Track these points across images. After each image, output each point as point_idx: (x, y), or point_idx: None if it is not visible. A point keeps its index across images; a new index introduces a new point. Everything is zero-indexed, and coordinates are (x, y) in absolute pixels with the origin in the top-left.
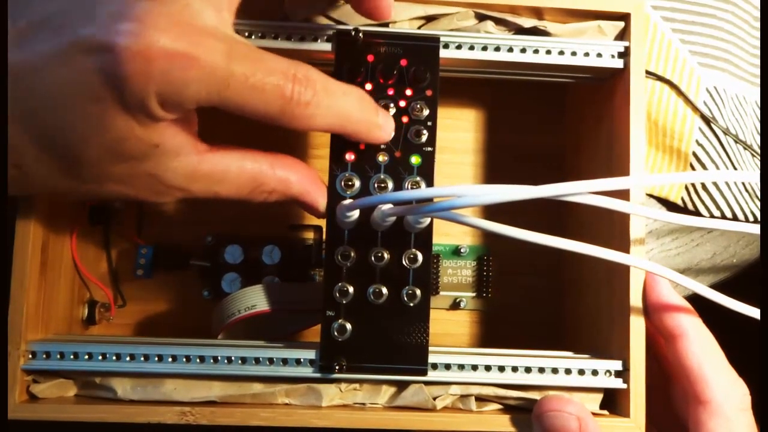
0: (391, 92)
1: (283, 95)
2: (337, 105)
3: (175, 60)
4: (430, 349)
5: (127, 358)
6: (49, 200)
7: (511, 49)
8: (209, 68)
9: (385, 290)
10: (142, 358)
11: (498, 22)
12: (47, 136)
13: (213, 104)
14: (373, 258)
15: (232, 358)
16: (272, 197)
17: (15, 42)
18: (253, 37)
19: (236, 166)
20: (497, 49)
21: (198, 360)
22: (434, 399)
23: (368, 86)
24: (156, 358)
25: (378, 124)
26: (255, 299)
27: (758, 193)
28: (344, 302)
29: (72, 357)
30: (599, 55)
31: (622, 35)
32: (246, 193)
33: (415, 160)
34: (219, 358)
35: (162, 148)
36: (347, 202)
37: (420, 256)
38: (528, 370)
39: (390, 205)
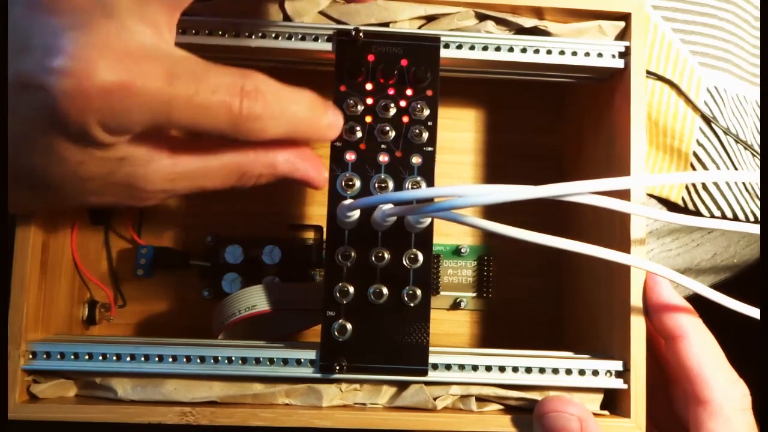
0: (391, 92)
1: (231, 111)
2: (288, 113)
3: (111, 92)
4: (431, 349)
5: (128, 358)
6: None
7: (511, 49)
8: (149, 94)
9: (385, 290)
10: (143, 358)
11: (498, 22)
12: (12, 167)
13: (162, 126)
14: (373, 258)
15: (233, 358)
16: (262, 180)
17: None
18: (253, 37)
19: (215, 160)
20: (498, 49)
21: (198, 360)
22: (435, 399)
23: (368, 86)
24: (156, 359)
25: (328, 124)
26: (255, 299)
27: (759, 193)
28: (345, 302)
29: (72, 357)
30: (600, 55)
31: (623, 35)
32: (233, 182)
33: (415, 160)
34: (219, 358)
35: (129, 159)
36: (348, 202)
37: (420, 256)
38: (528, 370)
39: (390, 205)
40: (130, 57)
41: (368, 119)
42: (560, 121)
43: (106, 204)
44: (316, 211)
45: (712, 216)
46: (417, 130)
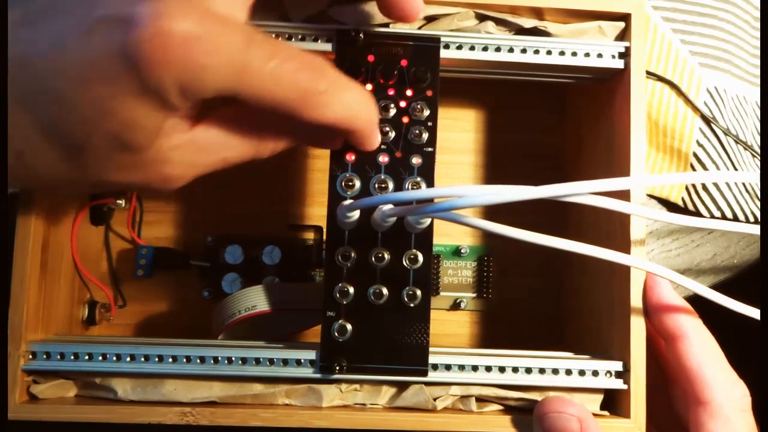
0: (391, 92)
1: (300, 84)
2: (349, 98)
3: (194, 43)
4: (431, 349)
5: (128, 359)
6: (50, 200)
7: (511, 50)
8: (228, 53)
9: (385, 291)
10: (143, 359)
11: (498, 22)
12: (52, 120)
13: (231, 92)
14: (373, 258)
15: (233, 358)
16: (279, 147)
17: (16, 27)
18: None
19: (236, 125)
20: (497, 49)
21: (198, 360)
22: (435, 400)
23: (368, 86)
24: (156, 359)
25: (378, 125)
26: (255, 299)
27: (758, 194)
28: (345, 303)
29: (72, 357)
30: (600, 55)
31: (623, 36)
32: (253, 152)
33: (415, 160)
34: (219, 358)
35: (162, 131)
36: (348, 202)
37: (420, 257)
38: (528, 370)
39: (390, 206)
40: (214, 17)
41: None
42: (560, 121)
43: (127, 187)
44: (316, 212)
45: (712, 216)
46: (417, 131)
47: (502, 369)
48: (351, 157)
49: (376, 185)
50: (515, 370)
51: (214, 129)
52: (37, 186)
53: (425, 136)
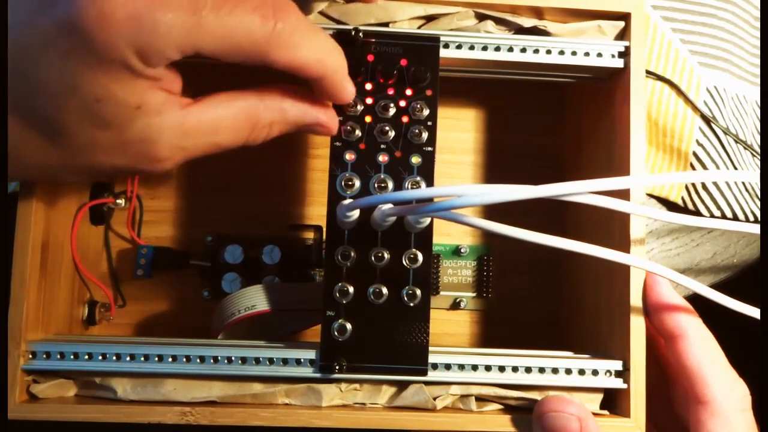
0: (391, 92)
1: (264, 25)
2: (316, 40)
3: (139, 3)
4: (431, 349)
5: (127, 358)
6: (50, 199)
7: (511, 49)
8: (177, 7)
9: (385, 290)
10: (142, 358)
11: (498, 21)
12: (25, 104)
13: (192, 48)
14: (373, 258)
15: (232, 358)
16: (273, 131)
17: None
18: None
19: (226, 109)
20: (497, 48)
21: (198, 360)
22: (434, 399)
23: (368, 86)
24: (156, 358)
25: (348, 79)
26: (255, 299)
27: (758, 193)
28: (344, 302)
29: (72, 357)
30: (599, 54)
31: (623, 35)
32: (245, 136)
33: (415, 159)
34: (219, 358)
35: (145, 107)
36: (347, 201)
37: (420, 256)
38: (528, 370)
39: (390, 205)
40: None
41: (368, 119)
42: (560, 121)
43: (116, 169)
44: (316, 211)
45: (712, 216)
46: (417, 130)
47: (501, 368)
48: (351, 157)
49: (376, 185)
50: (515, 369)
51: (206, 112)
52: (31, 177)
53: (425, 135)
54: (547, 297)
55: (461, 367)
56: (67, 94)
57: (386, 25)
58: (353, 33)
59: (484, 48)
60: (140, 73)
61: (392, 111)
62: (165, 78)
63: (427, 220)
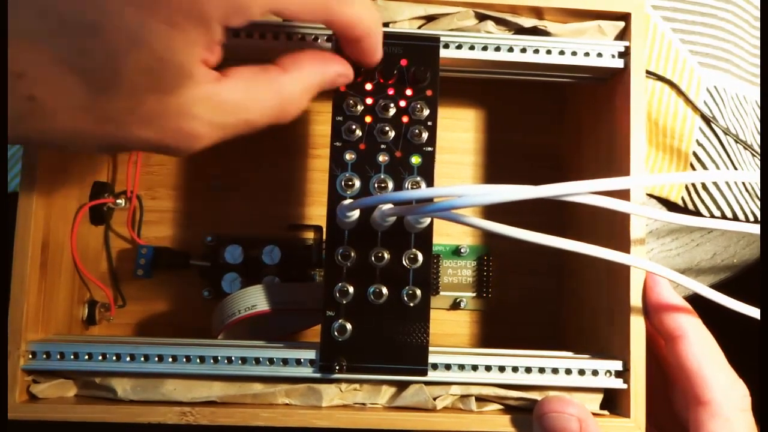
0: (391, 92)
1: None
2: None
3: None
4: (431, 349)
5: (127, 359)
6: (49, 199)
7: (511, 49)
8: None
9: (385, 290)
10: (142, 359)
11: (498, 22)
12: (81, 53)
13: (274, 8)
14: (373, 258)
15: (233, 358)
16: (303, 102)
17: None
18: (253, 37)
19: (256, 84)
20: (497, 49)
21: (198, 360)
22: (434, 399)
23: (368, 86)
24: (156, 359)
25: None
26: (255, 299)
27: (758, 193)
28: (344, 302)
29: (72, 357)
30: (599, 55)
31: (623, 35)
32: (277, 112)
33: (415, 160)
34: (219, 358)
35: (196, 77)
36: (347, 202)
37: (420, 256)
38: (528, 370)
39: (390, 205)
40: None
41: (368, 119)
42: (560, 121)
43: (146, 144)
44: (316, 211)
45: (712, 216)
46: (417, 130)
47: (501, 368)
48: (351, 157)
49: (376, 185)
50: (515, 369)
51: (237, 87)
52: (52, 140)
53: (425, 135)
54: (547, 297)
55: (461, 367)
56: (132, 47)
57: (386, 25)
58: None
59: (484, 48)
60: (212, 36)
61: (392, 111)
62: (220, 48)
63: (427, 221)
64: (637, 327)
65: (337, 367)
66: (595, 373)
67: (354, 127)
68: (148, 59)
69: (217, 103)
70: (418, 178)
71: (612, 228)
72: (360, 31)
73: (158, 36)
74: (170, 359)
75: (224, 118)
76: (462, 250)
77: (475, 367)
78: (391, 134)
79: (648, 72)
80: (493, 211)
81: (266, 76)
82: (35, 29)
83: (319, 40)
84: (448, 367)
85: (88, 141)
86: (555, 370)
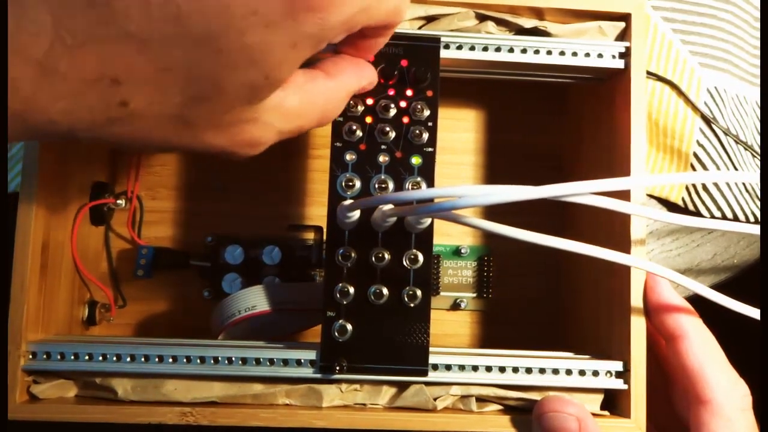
0: (391, 92)
1: None
2: None
3: None
4: (431, 349)
5: (128, 359)
6: (49, 200)
7: (511, 50)
8: None
9: (385, 291)
10: (143, 359)
11: (498, 22)
12: (191, 65)
13: (365, 24)
14: (373, 258)
15: (233, 358)
16: (342, 107)
17: None
18: None
19: (308, 90)
20: (498, 49)
21: (198, 360)
22: (435, 399)
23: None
24: (156, 359)
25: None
26: (255, 300)
27: (759, 194)
28: (345, 303)
29: (72, 357)
30: (600, 55)
31: (623, 36)
32: (320, 117)
33: (415, 160)
34: (219, 358)
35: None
36: (348, 202)
37: (420, 257)
38: (528, 370)
39: (390, 206)
40: None
41: (368, 120)
42: (560, 121)
43: (207, 149)
44: (316, 212)
45: (712, 216)
46: (417, 131)
47: (502, 369)
48: (351, 157)
49: (376, 185)
50: (515, 370)
51: (296, 94)
52: (116, 142)
53: (425, 136)
54: (547, 297)
55: (461, 367)
56: (248, 66)
57: None
58: None
59: (485, 49)
60: (314, 50)
61: (393, 111)
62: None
63: (428, 221)
64: (638, 327)
65: (337, 368)
66: (595, 373)
67: (354, 127)
68: (257, 76)
69: (284, 111)
70: (419, 179)
71: (612, 228)
72: (391, 22)
73: (275, 56)
74: (170, 359)
75: (286, 125)
76: (462, 251)
77: (475, 368)
78: (392, 135)
79: (648, 72)
80: (493, 212)
81: (315, 82)
82: (146, 34)
83: None
84: (448, 367)
85: (156, 142)
86: (555, 371)
